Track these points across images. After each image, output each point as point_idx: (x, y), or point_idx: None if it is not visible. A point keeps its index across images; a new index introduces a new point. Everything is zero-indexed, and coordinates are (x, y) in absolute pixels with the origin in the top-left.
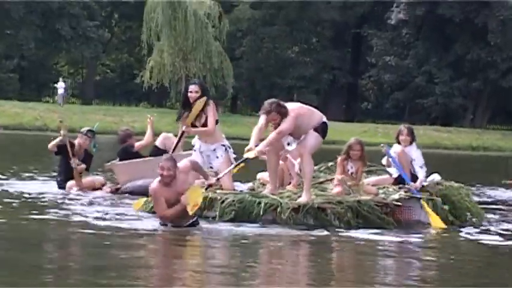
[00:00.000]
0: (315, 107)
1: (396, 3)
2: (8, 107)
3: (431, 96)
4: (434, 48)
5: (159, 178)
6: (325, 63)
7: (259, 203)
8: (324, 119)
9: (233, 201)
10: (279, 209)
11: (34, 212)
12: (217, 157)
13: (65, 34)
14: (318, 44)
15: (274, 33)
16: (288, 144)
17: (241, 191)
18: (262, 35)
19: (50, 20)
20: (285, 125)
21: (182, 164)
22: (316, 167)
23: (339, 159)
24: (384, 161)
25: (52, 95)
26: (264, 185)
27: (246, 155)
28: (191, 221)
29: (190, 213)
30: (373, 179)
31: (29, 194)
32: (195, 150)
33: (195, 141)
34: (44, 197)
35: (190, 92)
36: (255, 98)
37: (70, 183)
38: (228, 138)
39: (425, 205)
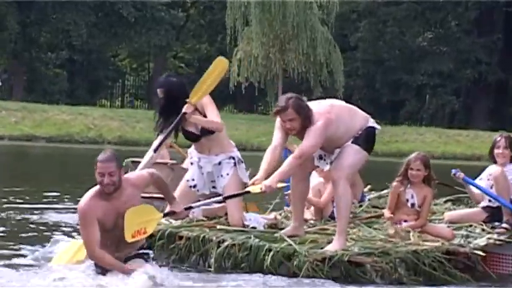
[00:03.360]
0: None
1: None
2: (53, 113)
3: None
4: None
5: (92, 191)
6: (468, 55)
7: (270, 249)
8: (371, 122)
9: (232, 245)
10: (295, 261)
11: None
12: (221, 175)
13: (127, 17)
14: (457, 28)
15: (400, 14)
16: (321, 158)
17: (253, 227)
18: (385, 17)
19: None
20: (309, 141)
21: (136, 173)
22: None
23: (393, 184)
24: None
25: (110, 97)
26: (306, 220)
27: (249, 188)
28: (132, 253)
29: (129, 240)
30: (457, 213)
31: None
32: (192, 164)
33: (192, 151)
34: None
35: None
36: (373, 100)
37: None
38: None
39: None
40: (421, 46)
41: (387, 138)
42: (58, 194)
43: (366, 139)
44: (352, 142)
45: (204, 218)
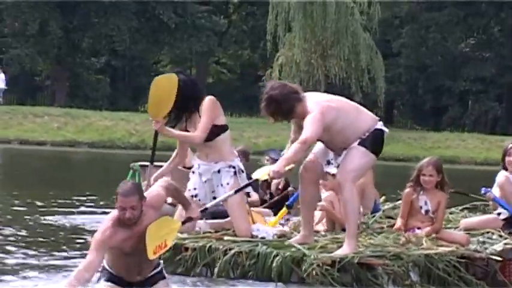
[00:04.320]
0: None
1: None
2: (95, 119)
3: None
4: None
5: (112, 218)
6: (510, 60)
7: (277, 255)
8: (379, 124)
9: (239, 253)
10: (303, 266)
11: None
12: (221, 185)
13: (168, 22)
14: (500, 34)
15: (442, 20)
16: (328, 163)
17: (262, 238)
18: (427, 23)
19: (149, 4)
20: (308, 128)
21: (152, 193)
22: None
23: (405, 191)
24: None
25: None
26: (317, 231)
27: (255, 175)
28: (152, 272)
29: (152, 257)
30: (473, 220)
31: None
32: (193, 172)
33: (194, 158)
34: None
35: None
36: (416, 107)
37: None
38: (382, 159)
39: None
40: (463, 52)
41: (429, 144)
42: (95, 197)
43: (373, 141)
44: (358, 144)
45: (211, 231)
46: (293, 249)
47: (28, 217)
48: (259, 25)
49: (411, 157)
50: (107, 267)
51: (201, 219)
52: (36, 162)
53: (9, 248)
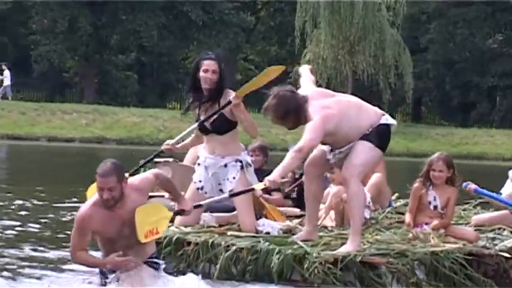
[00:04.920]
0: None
1: None
2: (123, 116)
3: None
4: None
5: (94, 199)
6: None
7: (278, 252)
8: (384, 119)
9: (241, 249)
10: (305, 264)
11: None
12: (227, 179)
13: (196, 19)
14: None
15: (470, 15)
16: (332, 150)
17: (267, 233)
18: (455, 19)
19: (176, 1)
20: (307, 136)
21: (140, 177)
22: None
23: (414, 186)
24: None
25: (180, 100)
26: (325, 227)
27: (254, 185)
28: (146, 257)
29: (143, 240)
30: (484, 216)
31: None
32: (198, 164)
33: (200, 151)
34: None
35: (206, 70)
36: (444, 103)
37: None
38: (409, 155)
39: None
40: (491, 48)
41: (457, 141)
42: None
43: (378, 136)
44: (363, 138)
45: (216, 225)
46: (295, 246)
47: (51, 214)
48: (286, 21)
49: None
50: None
51: (206, 211)
52: (63, 158)
53: (31, 243)
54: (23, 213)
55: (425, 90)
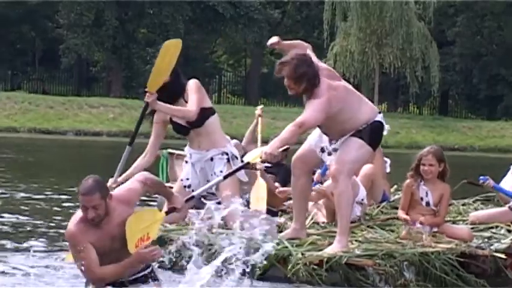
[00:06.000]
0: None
1: None
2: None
3: None
4: None
5: (79, 216)
6: None
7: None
8: (379, 116)
9: (223, 248)
10: (289, 264)
11: None
12: (215, 173)
13: (224, 12)
14: None
15: (497, 8)
16: (323, 150)
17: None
18: (482, 12)
19: None
20: (310, 113)
21: (126, 188)
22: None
23: (405, 182)
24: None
25: (208, 93)
26: (317, 223)
27: (247, 157)
28: (141, 273)
29: (132, 251)
30: (483, 213)
31: None
32: (186, 162)
33: (186, 148)
34: None
35: None
36: (471, 96)
37: None
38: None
39: None
40: None
41: (484, 134)
42: None
43: (371, 134)
44: (355, 135)
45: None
46: (280, 245)
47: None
48: (312, 15)
49: (466, 146)
50: None
51: (192, 208)
52: (90, 152)
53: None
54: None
55: (452, 83)
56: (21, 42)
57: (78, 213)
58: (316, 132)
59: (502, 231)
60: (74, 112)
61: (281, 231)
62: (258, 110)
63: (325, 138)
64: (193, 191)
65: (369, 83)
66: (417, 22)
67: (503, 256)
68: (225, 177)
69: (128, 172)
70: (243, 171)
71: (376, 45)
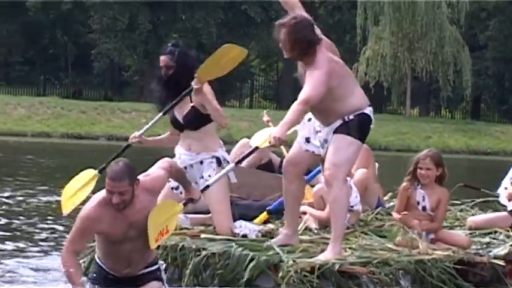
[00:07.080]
0: None
1: None
2: None
3: None
4: None
5: (101, 196)
6: None
7: (252, 259)
8: (368, 109)
9: (212, 254)
10: (280, 272)
11: None
12: (203, 177)
13: (255, 17)
14: None
15: None
16: (308, 141)
17: (244, 235)
18: None
19: (236, 1)
20: (312, 88)
21: (151, 176)
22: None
23: (401, 186)
24: (501, 195)
25: (239, 98)
26: (310, 229)
27: (254, 142)
28: (146, 270)
29: (153, 247)
30: (481, 218)
31: None
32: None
33: (176, 148)
34: None
35: (161, 66)
36: (503, 100)
37: None
38: (469, 153)
39: None
40: None
41: None
42: None
43: (358, 127)
44: (343, 131)
45: (189, 227)
46: (271, 252)
47: None
48: (344, 19)
49: (498, 151)
50: (97, 259)
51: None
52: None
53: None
54: None
55: (485, 87)
56: (54, 47)
57: (99, 195)
58: (302, 130)
59: (501, 237)
60: (106, 117)
61: (272, 238)
62: (265, 116)
63: (309, 127)
64: (181, 193)
65: (400, 87)
66: (449, 26)
67: (501, 263)
68: (237, 164)
69: (158, 138)
70: (232, 172)
71: (408, 49)
